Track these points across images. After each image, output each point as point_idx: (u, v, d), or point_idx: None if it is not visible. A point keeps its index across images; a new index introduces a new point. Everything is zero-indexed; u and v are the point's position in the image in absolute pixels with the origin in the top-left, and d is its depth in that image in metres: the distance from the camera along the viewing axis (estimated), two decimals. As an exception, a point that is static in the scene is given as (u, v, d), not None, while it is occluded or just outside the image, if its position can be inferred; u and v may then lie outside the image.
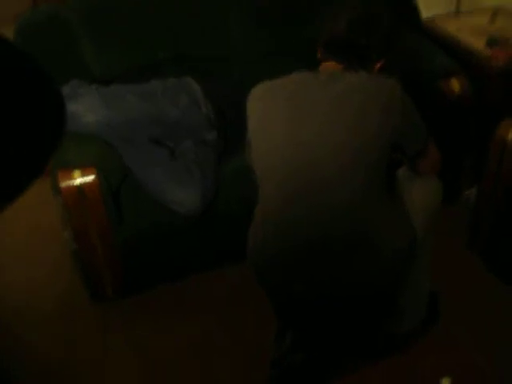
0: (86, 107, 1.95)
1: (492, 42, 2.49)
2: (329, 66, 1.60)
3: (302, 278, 1.57)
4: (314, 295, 1.62)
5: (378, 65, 1.64)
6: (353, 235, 1.51)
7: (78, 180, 1.84)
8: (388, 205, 1.58)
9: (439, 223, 1.81)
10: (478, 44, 2.52)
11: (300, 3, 2.45)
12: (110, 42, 2.25)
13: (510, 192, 2.02)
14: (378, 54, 1.61)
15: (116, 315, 2.13)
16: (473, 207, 2.25)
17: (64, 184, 1.84)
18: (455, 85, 2.23)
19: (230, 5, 2.38)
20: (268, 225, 1.58)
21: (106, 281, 2.07)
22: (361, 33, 1.57)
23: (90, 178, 1.84)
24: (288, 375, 1.80)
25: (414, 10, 2.65)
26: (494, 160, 2.04)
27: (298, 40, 2.44)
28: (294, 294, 1.62)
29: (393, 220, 1.58)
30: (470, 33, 2.60)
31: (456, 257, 2.23)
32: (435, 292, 1.98)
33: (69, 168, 1.85)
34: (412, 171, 1.72)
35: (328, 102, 1.50)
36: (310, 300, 1.65)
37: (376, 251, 1.53)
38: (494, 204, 2.10)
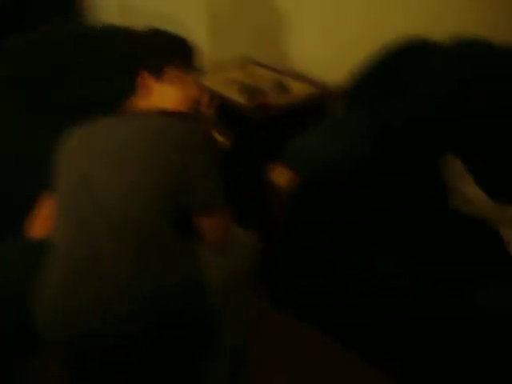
0: None
1: (245, 91, 2.63)
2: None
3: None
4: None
5: None
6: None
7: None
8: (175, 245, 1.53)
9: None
10: (233, 93, 2.64)
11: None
12: None
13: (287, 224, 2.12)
14: None
15: None
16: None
17: None
18: (217, 136, 2.31)
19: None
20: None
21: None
22: None
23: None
24: None
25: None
26: (266, 201, 2.14)
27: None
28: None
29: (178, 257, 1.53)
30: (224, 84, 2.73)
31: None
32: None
33: None
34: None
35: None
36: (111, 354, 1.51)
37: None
38: (274, 243, 2.20)
